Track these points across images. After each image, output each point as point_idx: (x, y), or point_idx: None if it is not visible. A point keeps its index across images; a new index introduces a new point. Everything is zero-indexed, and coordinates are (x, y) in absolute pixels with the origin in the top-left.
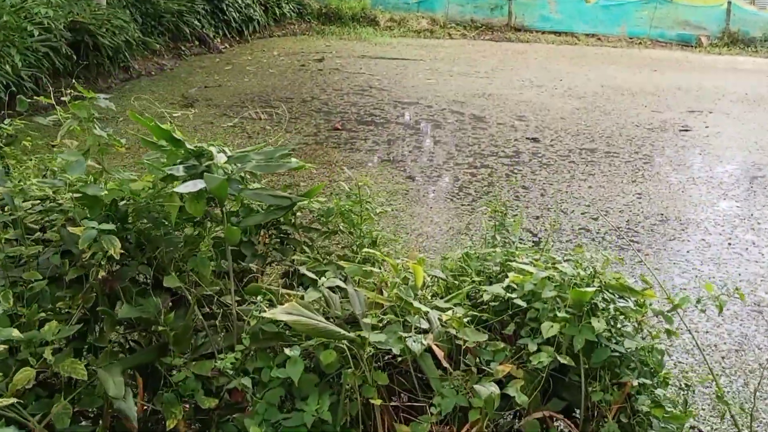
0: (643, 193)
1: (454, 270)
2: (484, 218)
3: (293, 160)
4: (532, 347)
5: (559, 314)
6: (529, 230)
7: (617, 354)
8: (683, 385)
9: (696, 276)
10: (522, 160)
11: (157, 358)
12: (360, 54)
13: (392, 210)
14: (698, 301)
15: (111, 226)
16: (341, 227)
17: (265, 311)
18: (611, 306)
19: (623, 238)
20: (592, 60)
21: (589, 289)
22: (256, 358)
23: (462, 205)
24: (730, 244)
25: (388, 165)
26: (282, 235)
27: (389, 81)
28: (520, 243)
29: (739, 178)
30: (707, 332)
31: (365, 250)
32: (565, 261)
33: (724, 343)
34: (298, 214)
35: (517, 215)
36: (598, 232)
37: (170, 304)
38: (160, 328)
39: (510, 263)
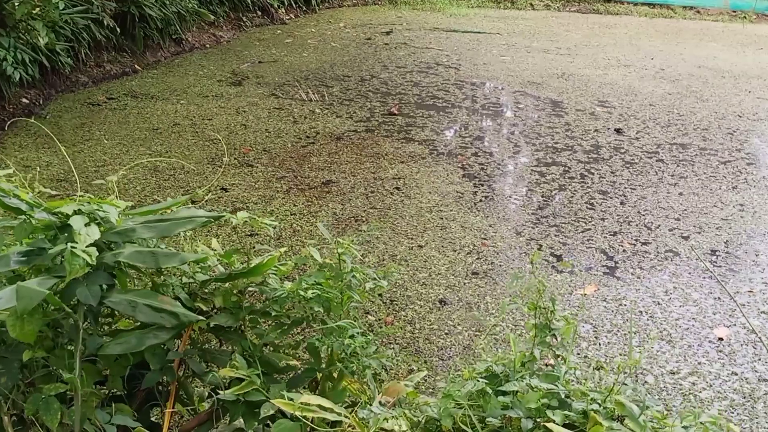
0: (746, 205)
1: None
2: (515, 305)
3: (200, 213)
4: None
5: None
6: (604, 251)
7: None
8: None
9: None
10: (602, 156)
11: None
12: (432, 26)
13: (400, 273)
14: None
15: None
16: (310, 313)
17: None
18: None
19: (719, 265)
20: (689, 36)
21: None
22: None
23: (523, 220)
24: None
25: (443, 160)
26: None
27: (458, 57)
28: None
29: None
30: None
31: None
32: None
33: None
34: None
35: (568, 319)
36: (688, 257)
37: None
38: None
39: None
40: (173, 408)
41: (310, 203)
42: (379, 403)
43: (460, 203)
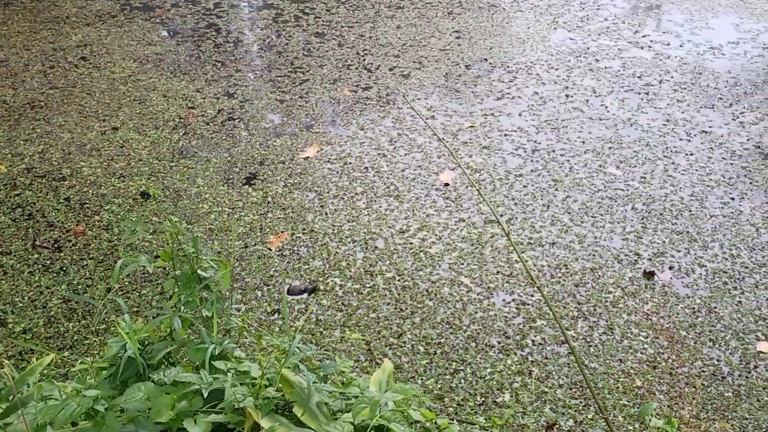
0: (462, 31)
1: None
2: None
3: None
4: None
5: None
6: (325, 104)
7: None
8: None
9: (533, 152)
10: None
11: None
12: None
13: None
14: None
15: None
16: None
17: None
18: None
19: (441, 101)
20: None
21: None
22: None
23: (234, 78)
24: (567, 96)
25: (139, 16)
26: None
27: None
28: None
29: None
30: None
31: None
32: None
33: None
34: None
35: (223, 261)
36: (412, 99)
37: None
38: None
39: None
40: None
41: None
42: None
43: (161, 68)
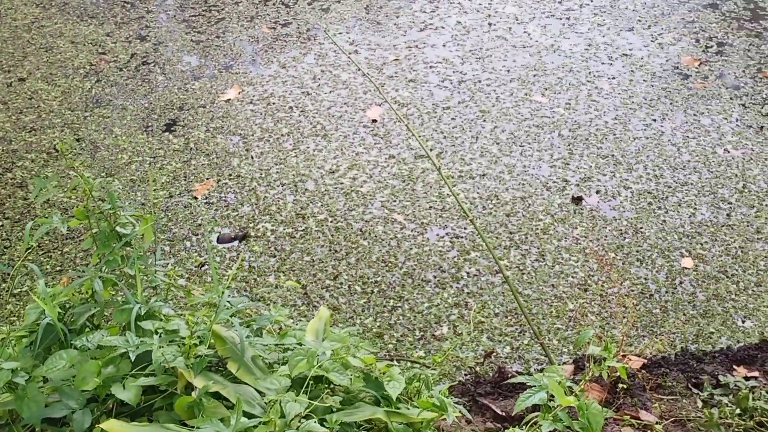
0: None
1: None
2: None
3: None
4: None
5: None
6: (242, 42)
7: None
8: None
9: (459, 83)
10: None
11: None
12: None
13: None
14: None
15: None
16: None
17: None
18: None
19: (363, 35)
20: None
21: None
22: None
23: (145, 20)
24: (490, 24)
25: None
26: None
27: None
28: None
29: None
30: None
31: None
32: None
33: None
34: None
35: (144, 215)
36: (334, 34)
37: None
38: None
39: None
40: None
41: None
42: None
43: (66, 12)
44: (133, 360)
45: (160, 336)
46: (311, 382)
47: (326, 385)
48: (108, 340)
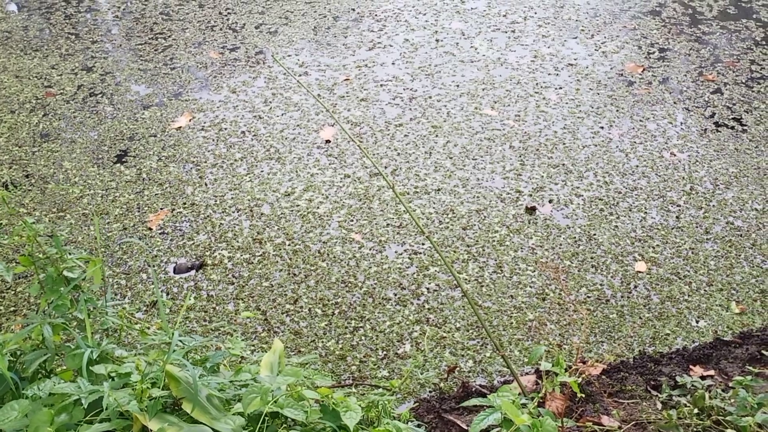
0: None
1: None
2: None
3: None
4: None
5: None
6: (190, 69)
7: None
8: None
9: (410, 100)
10: None
11: None
12: None
13: None
14: None
15: None
16: None
17: None
18: None
19: (313, 57)
20: None
21: None
22: None
23: (92, 49)
24: (438, 40)
25: None
26: None
27: None
28: None
29: None
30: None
31: None
32: None
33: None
34: None
35: (92, 258)
36: (274, 56)
37: None
38: None
39: None
40: None
41: None
42: None
43: (9, 46)
44: (86, 406)
45: (113, 380)
46: (267, 418)
47: (282, 420)
48: (60, 387)
